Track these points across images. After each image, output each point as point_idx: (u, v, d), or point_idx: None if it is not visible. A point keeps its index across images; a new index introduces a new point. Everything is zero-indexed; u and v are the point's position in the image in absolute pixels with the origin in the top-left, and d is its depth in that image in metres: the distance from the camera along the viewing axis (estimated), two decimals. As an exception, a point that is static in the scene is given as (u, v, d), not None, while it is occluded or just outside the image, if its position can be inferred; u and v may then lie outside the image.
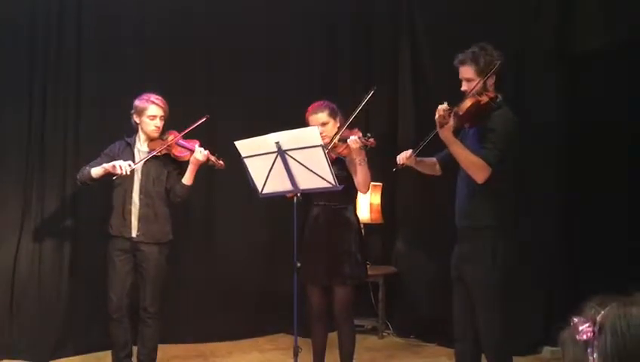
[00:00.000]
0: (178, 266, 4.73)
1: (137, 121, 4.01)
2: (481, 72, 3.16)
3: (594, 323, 1.14)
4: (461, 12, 4.95)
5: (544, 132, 4.63)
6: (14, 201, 4.67)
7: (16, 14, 4.67)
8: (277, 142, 3.26)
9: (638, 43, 4.16)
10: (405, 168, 3.49)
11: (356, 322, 4.05)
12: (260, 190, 3.45)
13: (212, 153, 3.94)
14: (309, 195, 3.69)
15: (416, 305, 5.32)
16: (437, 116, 3.11)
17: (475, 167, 3.10)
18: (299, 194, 3.41)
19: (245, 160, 3.40)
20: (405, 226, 5.53)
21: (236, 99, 5.24)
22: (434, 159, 3.55)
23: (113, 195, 3.98)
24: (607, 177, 4.30)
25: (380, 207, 5.38)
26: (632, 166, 4.25)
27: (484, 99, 3.11)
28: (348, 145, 3.53)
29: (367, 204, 5.31)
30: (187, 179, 3.96)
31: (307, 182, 3.33)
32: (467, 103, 3.11)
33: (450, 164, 3.38)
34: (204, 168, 4.04)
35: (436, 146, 3.38)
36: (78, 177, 4.05)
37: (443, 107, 3.11)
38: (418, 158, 3.47)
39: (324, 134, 3.55)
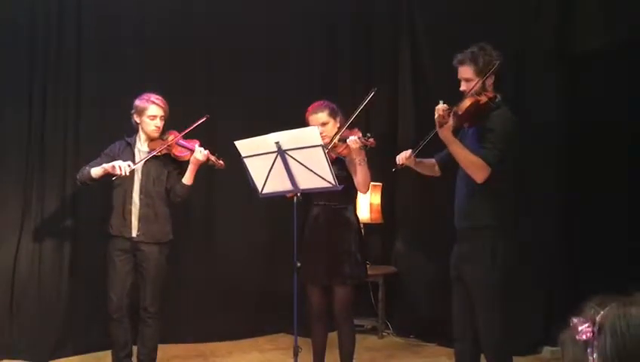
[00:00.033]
0: (178, 266, 4.73)
1: (138, 121, 4.01)
2: (480, 72, 3.16)
3: (593, 324, 1.14)
4: (461, 12, 4.95)
5: (544, 132, 4.63)
6: (14, 201, 4.67)
7: (16, 14, 4.67)
8: (277, 142, 3.26)
9: (638, 43, 4.16)
10: (405, 168, 3.49)
11: (356, 322, 4.05)
12: (259, 190, 3.45)
13: (212, 153, 3.94)
14: (309, 195, 3.69)
15: (416, 305, 5.32)
16: (436, 116, 3.12)
17: (474, 166, 3.11)
18: (299, 194, 3.41)
19: (245, 160, 3.40)
20: (405, 226, 5.53)
21: (236, 99, 5.24)
22: (433, 160, 3.55)
23: (113, 195, 3.98)
24: (607, 177, 4.30)
25: (379, 207, 5.38)
26: (632, 166, 4.25)
27: (483, 99, 3.12)
28: (348, 145, 3.53)
29: (367, 204, 5.31)
30: (187, 178, 3.97)
31: (307, 182, 3.33)
32: (466, 103, 3.11)
33: (450, 165, 3.37)
34: (204, 168, 4.04)
35: (436, 146, 3.39)
36: (78, 177, 4.05)
37: (442, 107, 3.11)
38: (417, 159, 3.47)
39: (324, 134, 3.55)
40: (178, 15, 5.15)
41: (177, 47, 5.11)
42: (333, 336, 3.91)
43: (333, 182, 3.28)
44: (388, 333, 5.40)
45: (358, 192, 3.85)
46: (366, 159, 3.61)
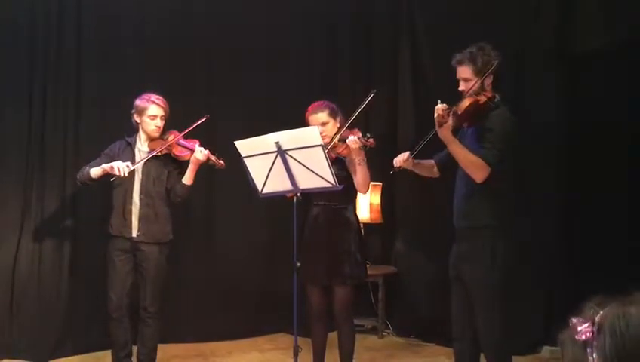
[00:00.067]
0: (178, 266, 4.73)
1: (138, 121, 4.01)
2: (479, 72, 3.16)
3: (593, 324, 1.14)
4: (461, 12, 4.95)
5: (544, 132, 4.63)
6: (14, 201, 4.67)
7: (16, 14, 4.68)
8: (277, 142, 3.26)
9: (638, 43, 4.16)
10: (402, 171, 3.49)
11: (356, 322, 4.05)
12: (259, 190, 3.45)
13: (212, 153, 3.94)
14: (309, 195, 3.69)
15: (415, 305, 5.33)
16: (436, 115, 3.12)
17: (474, 166, 3.11)
18: (299, 194, 3.41)
19: (245, 160, 3.40)
20: (405, 226, 5.53)
21: (236, 99, 5.24)
22: (432, 161, 3.55)
23: (114, 195, 3.98)
24: (607, 177, 4.30)
25: (379, 207, 5.39)
26: (632, 166, 4.24)
27: (482, 98, 3.12)
28: (347, 145, 3.53)
29: (367, 204, 5.31)
30: (187, 178, 3.97)
31: (307, 181, 3.33)
32: (465, 103, 3.12)
33: (449, 165, 3.38)
34: (204, 168, 4.04)
35: (435, 146, 3.39)
36: (77, 177, 4.05)
37: (442, 106, 3.11)
38: (415, 161, 3.47)
39: (324, 134, 3.55)
40: (178, 15, 5.15)
41: (177, 47, 5.11)
42: (333, 336, 3.91)
43: (333, 182, 3.28)
44: (388, 333, 5.40)
45: (358, 192, 3.85)
46: (365, 159, 3.61)
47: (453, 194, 3.37)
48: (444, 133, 3.13)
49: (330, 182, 3.28)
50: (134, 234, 3.94)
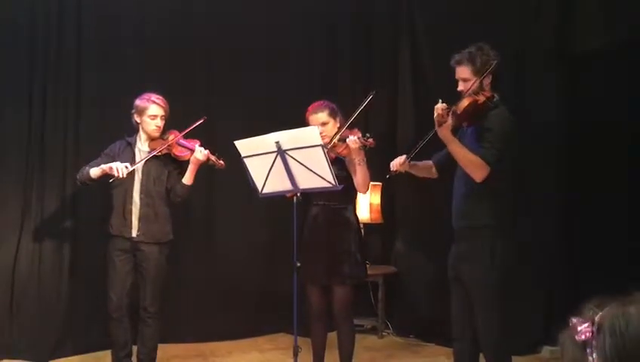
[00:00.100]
0: (178, 266, 4.73)
1: (138, 121, 4.01)
2: (478, 72, 3.16)
3: (592, 324, 1.14)
4: (461, 12, 4.95)
5: (544, 132, 4.63)
6: (14, 201, 4.67)
7: (16, 14, 4.68)
8: (277, 142, 3.26)
9: (638, 43, 4.16)
10: (400, 174, 3.49)
11: (356, 322, 4.05)
12: (259, 190, 3.45)
13: (212, 153, 3.94)
14: (309, 195, 3.69)
15: (415, 305, 5.33)
16: (435, 115, 3.12)
17: (473, 165, 3.11)
18: (299, 194, 3.41)
19: (245, 160, 3.40)
20: (405, 226, 5.53)
21: (236, 99, 5.24)
22: (430, 162, 3.55)
23: (114, 195, 3.98)
24: (607, 177, 4.30)
25: (379, 207, 5.39)
26: (632, 166, 4.25)
27: (481, 98, 3.12)
28: (347, 145, 3.53)
29: (367, 204, 5.31)
30: (187, 178, 3.97)
31: (307, 181, 3.33)
32: (465, 102, 3.12)
33: (447, 166, 3.38)
34: (204, 168, 4.04)
35: (435, 146, 3.39)
36: (77, 177, 4.05)
37: (441, 106, 3.12)
38: (412, 162, 3.47)
39: (323, 134, 3.55)
40: (178, 15, 5.15)
41: (177, 47, 5.11)
42: (332, 336, 3.91)
43: (333, 182, 3.28)
44: (388, 333, 5.40)
45: (358, 192, 3.85)
46: (365, 159, 3.61)
47: (452, 194, 3.37)
48: (444, 132, 3.13)
49: (330, 182, 3.28)
50: (134, 234, 3.94)
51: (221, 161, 3.96)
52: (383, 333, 5.37)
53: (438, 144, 3.28)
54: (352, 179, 3.67)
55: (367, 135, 3.53)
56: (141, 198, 3.95)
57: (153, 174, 3.98)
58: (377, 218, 5.39)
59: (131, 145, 4.03)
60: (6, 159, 4.68)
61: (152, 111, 3.96)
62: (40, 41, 4.72)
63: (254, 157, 3.37)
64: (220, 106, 5.05)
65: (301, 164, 3.26)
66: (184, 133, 3.99)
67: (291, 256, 3.47)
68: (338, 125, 3.74)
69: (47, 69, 4.72)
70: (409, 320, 5.33)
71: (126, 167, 3.82)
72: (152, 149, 3.97)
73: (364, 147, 3.55)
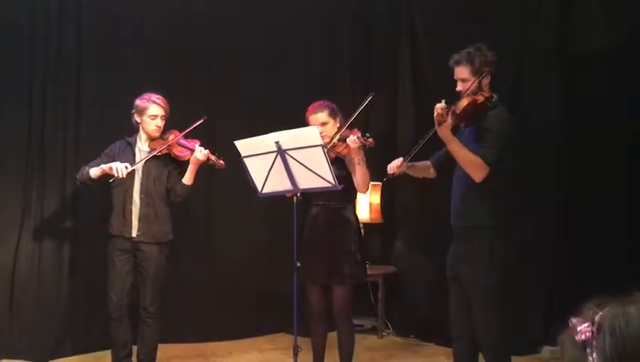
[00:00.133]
0: (178, 266, 4.73)
1: (138, 121, 4.01)
2: (476, 72, 3.17)
3: (592, 324, 1.14)
4: (461, 12, 4.95)
5: (544, 132, 4.63)
6: (14, 201, 4.67)
7: (16, 14, 4.68)
8: (277, 142, 3.26)
9: (638, 43, 4.16)
10: (397, 177, 3.49)
11: (356, 321, 4.06)
12: (259, 190, 3.46)
13: (212, 153, 3.94)
14: (308, 195, 3.69)
15: (415, 305, 5.33)
16: (435, 114, 3.12)
17: (473, 165, 3.11)
18: (298, 194, 3.41)
19: (245, 159, 3.40)
20: (405, 226, 5.53)
21: (236, 99, 5.24)
22: (427, 162, 3.56)
23: (114, 195, 3.98)
24: (607, 177, 4.30)
25: (379, 207, 5.39)
26: (632, 166, 4.25)
27: (480, 98, 3.13)
28: (347, 145, 3.54)
29: (367, 204, 5.31)
30: (187, 178, 3.97)
31: (307, 181, 3.33)
32: (464, 102, 3.13)
33: (445, 165, 3.38)
34: (204, 168, 4.04)
35: (435, 146, 3.39)
36: (77, 177, 4.05)
37: (441, 105, 3.12)
38: (410, 163, 3.47)
39: (323, 134, 3.55)
40: (178, 15, 5.15)
41: (177, 47, 5.11)
42: (332, 336, 3.91)
43: (333, 181, 3.28)
44: (388, 333, 5.40)
45: (358, 192, 3.85)
46: (365, 159, 3.61)
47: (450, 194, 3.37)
48: (444, 131, 3.13)
49: (330, 182, 3.28)
50: (134, 234, 3.94)
51: (221, 161, 3.96)
52: (383, 333, 5.37)
53: (437, 144, 3.28)
54: (352, 179, 3.67)
55: (367, 135, 3.53)
56: (141, 198, 3.95)
57: (153, 174, 3.98)
58: (377, 218, 5.39)
59: (131, 145, 4.03)
60: (6, 159, 4.68)
61: (152, 111, 3.96)
62: (40, 41, 4.72)
63: (254, 157, 3.37)
64: (220, 106, 5.05)
65: (301, 163, 3.26)
66: (184, 133, 3.99)
67: (291, 256, 3.47)
68: (338, 125, 3.74)
69: (47, 69, 4.72)
70: (409, 320, 5.33)
71: (126, 167, 3.82)
72: (152, 149, 3.97)
73: (363, 147, 3.55)
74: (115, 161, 3.88)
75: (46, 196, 4.71)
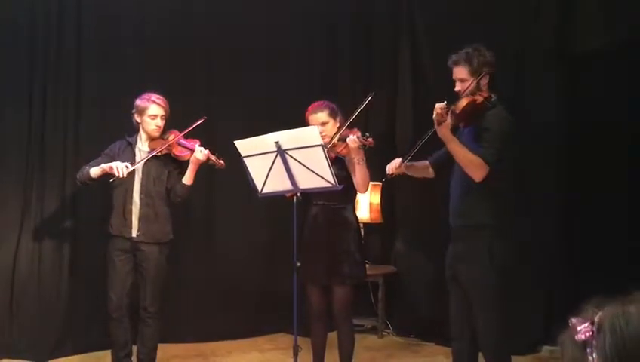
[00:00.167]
0: (178, 266, 4.73)
1: (138, 121, 4.01)
2: (475, 73, 3.18)
3: (592, 323, 1.14)
4: (461, 12, 4.95)
5: (544, 132, 4.63)
6: (14, 201, 4.67)
7: (16, 14, 4.68)
8: (277, 142, 3.26)
9: (638, 43, 4.16)
10: (395, 177, 3.49)
11: (356, 321, 4.06)
12: (259, 189, 3.46)
13: (212, 153, 3.94)
14: (308, 195, 3.69)
15: (415, 305, 5.32)
16: (435, 114, 3.12)
17: (472, 165, 3.11)
18: (298, 194, 3.41)
19: (245, 159, 3.40)
20: (405, 226, 5.53)
21: (236, 99, 5.24)
22: (426, 162, 3.56)
23: (114, 195, 3.98)
24: (607, 177, 4.30)
25: (379, 207, 5.39)
26: (632, 166, 4.25)
27: (479, 98, 3.14)
28: (347, 145, 3.54)
29: (367, 204, 5.31)
30: (187, 178, 3.97)
31: (307, 181, 3.33)
32: (463, 102, 3.13)
33: (444, 165, 3.39)
34: (204, 168, 4.04)
35: (433, 146, 3.39)
36: (77, 177, 4.05)
37: (441, 105, 3.12)
38: (409, 163, 3.47)
39: (323, 134, 3.55)
40: (178, 15, 5.15)
41: (177, 47, 5.11)
42: (332, 336, 3.91)
43: (333, 181, 3.28)
44: (388, 333, 5.40)
45: (358, 192, 3.85)
46: (364, 158, 3.61)
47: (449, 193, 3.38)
48: (444, 131, 3.13)
49: (330, 182, 3.28)
50: (134, 234, 3.94)
51: (221, 161, 3.97)
52: (383, 333, 5.37)
53: (437, 144, 3.28)
54: (351, 179, 3.68)
55: (367, 134, 3.54)
56: (141, 198, 3.95)
57: (153, 174, 3.98)
58: (377, 218, 5.38)
59: (131, 145, 4.03)
60: (6, 159, 4.68)
61: (152, 111, 3.96)
62: (40, 41, 4.72)
63: (254, 157, 3.37)
64: (220, 106, 5.05)
65: (301, 163, 3.26)
66: (184, 133, 3.99)
67: (291, 256, 3.47)
68: (338, 125, 3.75)
69: (47, 69, 4.72)
70: (409, 320, 5.33)
71: (126, 167, 3.83)
72: (152, 149, 3.97)
73: (363, 146, 3.55)
74: (115, 160, 3.88)
75: (46, 196, 4.71)
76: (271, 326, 5.26)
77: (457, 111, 3.13)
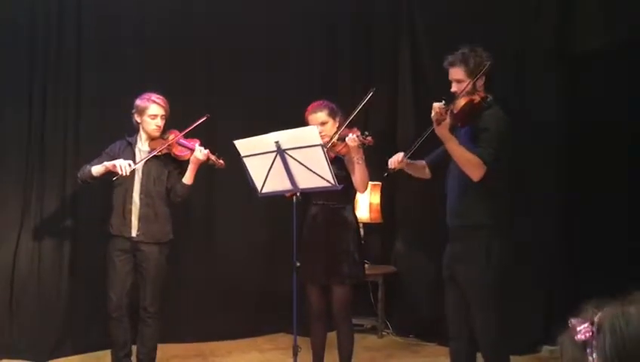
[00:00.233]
0: (178, 266, 4.73)
1: (138, 121, 4.01)
2: (471, 73, 3.18)
3: (592, 324, 1.14)
4: (461, 12, 4.95)
5: (544, 132, 4.63)
6: (14, 201, 4.67)
7: (16, 14, 4.68)
8: (276, 142, 3.26)
9: (638, 43, 4.16)
10: (397, 172, 3.49)
11: (356, 321, 4.06)
12: (259, 189, 3.46)
13: (212, 152, 3.94)
14: (308, 194, 3.69)
15: (415, 305, 5.32)
16: (433, 114, 3.13)
17: (470, 164, 3.12)
18: (298, 194, 3.41)
19: (245, 159, 3.40)
20: (405, 226, 5.53)
21: (236, 99, 5.24)
22: (423, 162, 3.56)
23: (114, 195, 3.98)
24: (607, 177, 4.30)
25: (379, 207, 5.38)
26: (632, 166, 4.25)
27: (477, 98, 3.15)
28: (346, 144, 3.54)
29: (367, 204, 5.31)
30: (187, 178, 3.97)
31: (307, 181, 3.33)
32: (461, 102, 3.14)
33: (440, 165, 3.39)
34: (204, 168, 4.05)
35: (433, 146, 3.39)
36: (78, 175, 4.05)
37: (439, 105, 3.12)
38: (410, 161, 3.48)
39: (323, 133, 3.55)
40: (178, 15, 5.15)
41: (177, 47, 5.11)
42: (332, 336, 3.91)
43: (332, 181, 3.28)
44: (387, 333, 5.40)
45: (358, 192, 3.85)
46: (364, 158, 3.61)
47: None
48: (442, 130, 3.13)
49: (329, 182, 3.28)
50: (134, 233, 3.94)
51: (221, 161, 3.97)
52: (383, 333, 5.37)
53: (436, 144, 3.28)
54: (351, 179, 3.68)
55: (366, 133, 3.53)
56: (141, 198, 3.95)
57: (153, 174, 3.98)
58: (377, 218, 5.38)
59: (132, 145, 4.03)
60: (6, 159, 4.68)
61: (152, 110, 3.96)
62: (40, 41, 4.72)
63: (254, 156, 3.37)
64: (220, 106, 5.05)
65: (301, 163, 3.26)
66: (184, 132, 3.99)
67: (291, 255, 3.47)
68: (337, 125, 3.74)
69: (47, 69, 4.72)
70: (409, 320, 5.33)
71: (129, 165, 3.82)
72: (153, 149, 3.97)
73: (362, 145, 3.54)
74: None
75: (46, 196, 4.70)
76: (271, 326, 5.26)
77: (456, 111, 3.14)
